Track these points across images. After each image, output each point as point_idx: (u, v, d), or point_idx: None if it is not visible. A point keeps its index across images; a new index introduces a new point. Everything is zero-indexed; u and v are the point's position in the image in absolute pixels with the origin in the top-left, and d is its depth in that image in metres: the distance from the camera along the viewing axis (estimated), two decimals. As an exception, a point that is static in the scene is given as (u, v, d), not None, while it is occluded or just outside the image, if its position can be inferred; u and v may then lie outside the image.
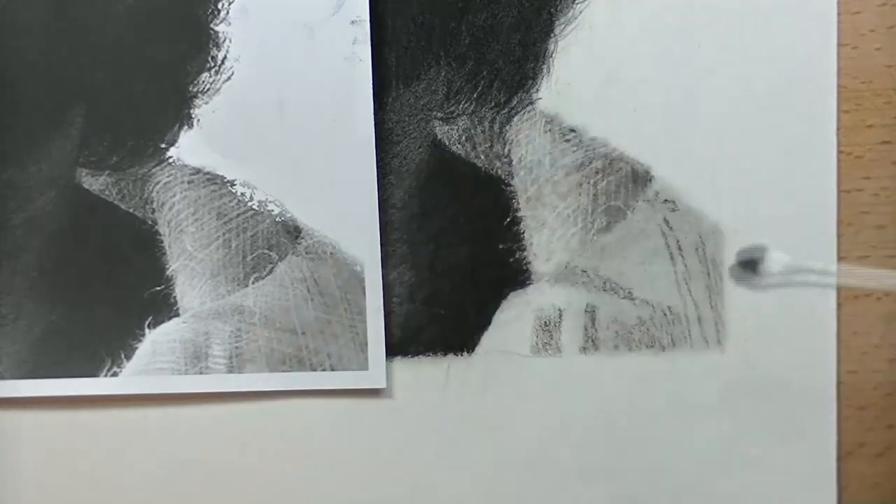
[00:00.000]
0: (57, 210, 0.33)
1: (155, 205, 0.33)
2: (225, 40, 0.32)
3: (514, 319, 0.33)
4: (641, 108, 0.32)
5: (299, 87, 0.32)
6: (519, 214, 0.33)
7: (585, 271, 0.33)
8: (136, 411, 0.33)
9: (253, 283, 0.33)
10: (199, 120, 0.32)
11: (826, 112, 0.32)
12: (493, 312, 0.33)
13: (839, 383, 0.32)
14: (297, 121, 0.32)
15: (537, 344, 0.33)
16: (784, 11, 0.32)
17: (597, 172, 0.32)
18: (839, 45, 0.32)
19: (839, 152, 0.32)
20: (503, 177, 0.33)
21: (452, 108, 0.32)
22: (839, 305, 0.32)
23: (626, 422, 0.33)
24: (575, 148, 0.32)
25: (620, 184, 0.32)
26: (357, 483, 0.33)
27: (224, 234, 0.33)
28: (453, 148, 0.33)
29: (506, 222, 0.33)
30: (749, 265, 0.32)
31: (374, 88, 0.32)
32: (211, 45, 0.32)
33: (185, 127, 0.32)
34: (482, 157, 0.33)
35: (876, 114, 0.32)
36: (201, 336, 0.33)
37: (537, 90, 0.32)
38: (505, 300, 0.33)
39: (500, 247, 0.33)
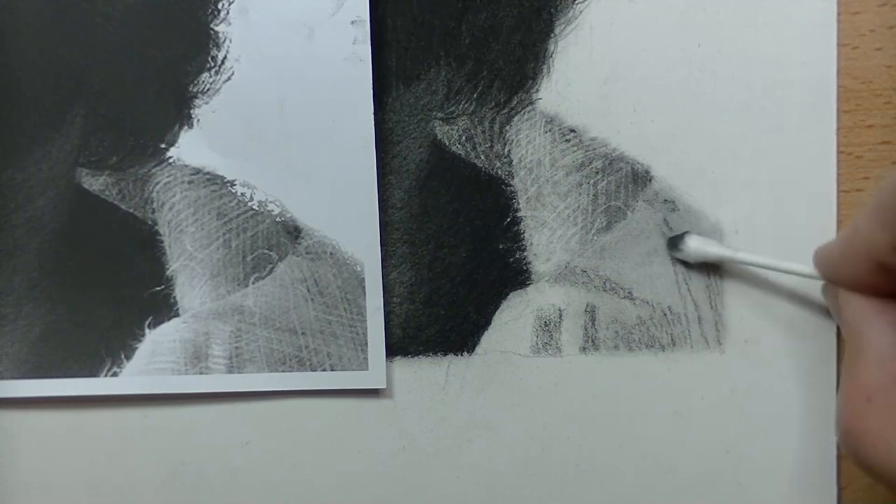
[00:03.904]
0: (57, 210, 0.33)
1: (155, 205, 0.33)
2: (225, 40, 0.32)
3: (513, 319, 0.33)
4: (641, 108, 0.32)
5: (299, 87, 0.32)
6: (519, 214, 0.33)
7: (585, 271, 0.33)
8: (136, 411, 0.33)
9: (253, 283, 0.33)
10: (199, 120, 0.32)
11: (826, 112, 0.32)
12: (493, 312, 0.33)
13: (839, 383, 0.32)
14: (297, 121, 0.32)
15: (537, 344, 0.33)
16: (784, 11, 0.32)
17: (597, 172, 0.32)
18: (839, 45, 0.32)
19: (839, 152, 0.32)
20: (503, 177, 0.33)
21: (452, 108, 0.32)
22: (839, 305, 0.32)
23: (626, 422, 0.33)
24: (575, 148, 0.32)
25: (620, 184, 0.32)
26: (357, 483, 0.33)
27: (224, 234, 0.33)
28: (453, 148, 0.33)
29: (506, 222, 0.33)
30: (673, 242, 0.32)
31: (374, 88, 0.32)
32: (211, 45, 0.32)
33: (185, 127, 0.32)
34: (482, 157, 0.33)
35: (876, 114, 0.32)
36: (201, 336, 0.33)
37: (537, 90, 0.32)
38: (505, 300, 0.33)
39: (500, 247, 0.33)
